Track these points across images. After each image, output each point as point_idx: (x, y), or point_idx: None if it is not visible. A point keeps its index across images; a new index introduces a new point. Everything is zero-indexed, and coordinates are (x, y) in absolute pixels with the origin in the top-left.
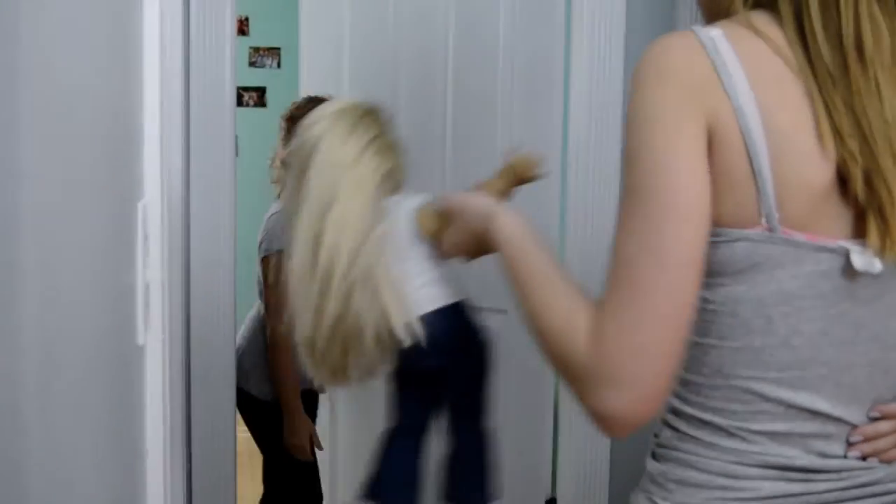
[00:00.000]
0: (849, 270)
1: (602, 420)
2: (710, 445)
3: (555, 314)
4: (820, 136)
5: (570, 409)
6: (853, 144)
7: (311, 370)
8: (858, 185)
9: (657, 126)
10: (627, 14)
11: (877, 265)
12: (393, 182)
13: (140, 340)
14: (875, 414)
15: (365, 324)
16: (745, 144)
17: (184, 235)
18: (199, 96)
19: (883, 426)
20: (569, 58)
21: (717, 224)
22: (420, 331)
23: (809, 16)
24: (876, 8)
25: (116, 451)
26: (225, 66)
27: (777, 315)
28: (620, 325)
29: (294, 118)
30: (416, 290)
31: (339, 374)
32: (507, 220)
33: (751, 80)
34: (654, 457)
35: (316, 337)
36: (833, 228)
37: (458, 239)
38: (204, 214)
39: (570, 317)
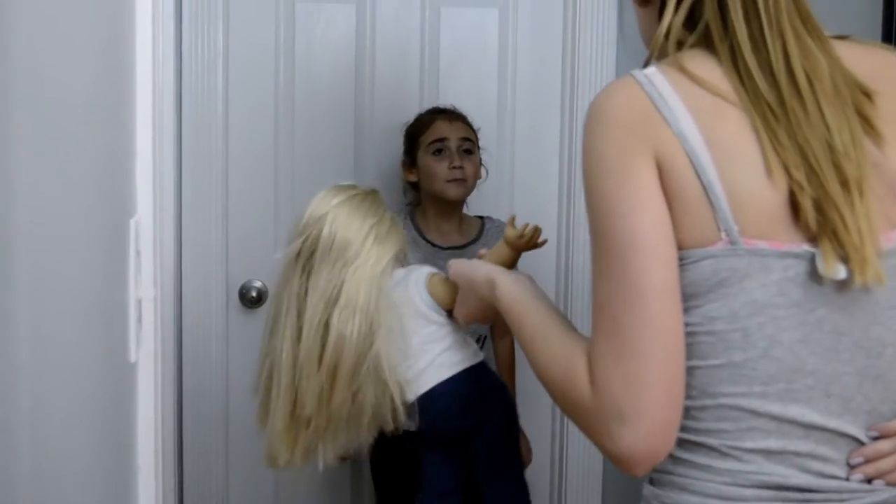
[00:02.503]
0: (817, 274)
1: (618, 459)
2: (705, 468)
3: (557, 365)
4: (768, 170)
5: (567, 435)
6: (799, 176)
7: (285, 443)
8: (810, 214)
9: (607, 169)
10: (619, 26)
11: (841, 272)
12: (398, 261)
13: (132, 357)
14: (874, 433)
15: (366, 410)
16: (693, 165)
17: (176, 252)
18: (192, 113)
19: (883, 445)
20: (565, 71)
21: (681, 247)
22: (436, 400)
23: (742, 55)
24: (808, 39)
25: (108, 468)
26: (217, 83)
27: (753, 326)
28: (607, 360)
29: (412, 134)
30: (436, 357)
31: (313, 452)
32: (508, 286)
33: (689, 107)
34: (651, 481)
35: (316, 418)
36: (795, 234)
37: (468, 309)
38: (196, 231)
39: (570, 365)
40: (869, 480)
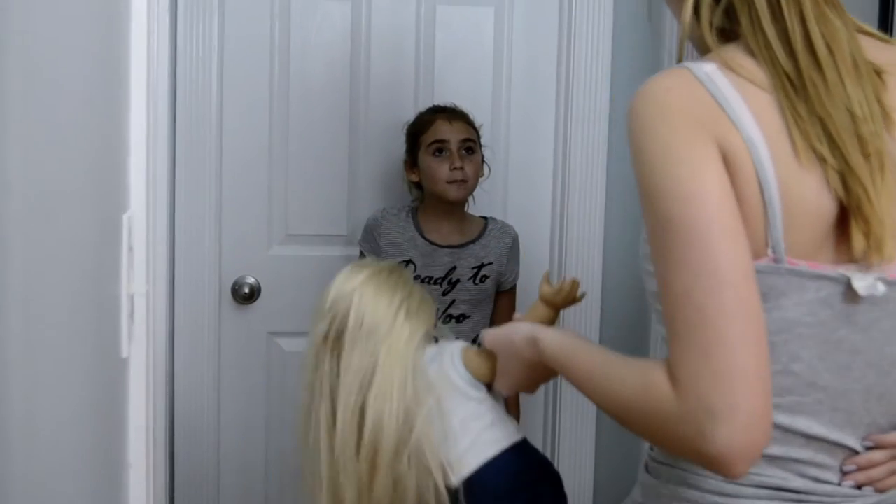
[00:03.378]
0: (848, 297)
1: (715, 460)
2: None
3: (629, 385)
4: (795, 149)
5: (560, 433)
6: (822, 149)
7: None
8: (837, 186)
9: (676, 156)
10: (614, 25)
11: (880, 288)
12: (429, 338)
13: (124, 353)
14: (869, 443)
15: (409, 497)
16: (757, 174)
17: (169, 248)
18: (186, 108)
19: (877, 455)
20: (560, 69)
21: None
22: (485, 480)
23: (762, 29)
24: (826, 9)
25: (99, 464)
26: (212, 78)
27: (779, 342)
28: (694, 356)
29: (412, 134)
30: (479, 435)
31: None
32: (552, 336)
33: (752, 111)
34: (648, 470)
35: None
36: (833, 256)
37: (513, 376)
38: (189, 227)
39: (645, 378)
40: (859, 487)
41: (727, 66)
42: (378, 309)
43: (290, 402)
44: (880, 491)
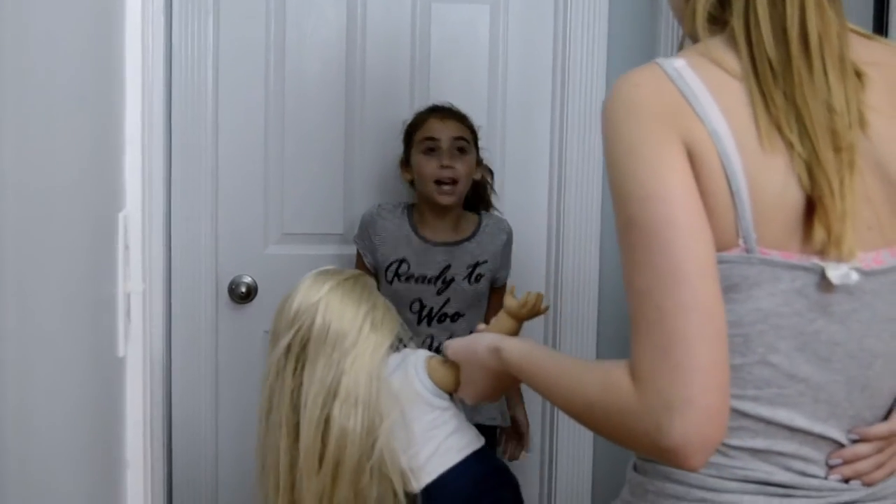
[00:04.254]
0: (823, 287)
1: (671, 452)
2: None
3: (590, 385)
4: (760, 136)
5: (558, 427)
6: (792, 136)
7: None
8: (802, 175)
9: (640, 156)
10: (610, 22)
11: (853, 277)
12: (392, 348)
13: (120, 352)
14: (854, 436)
15: (371, 502)
16: (723, 166)
17: (165, 247)
18: (181, 107)
19: (862, 448)
20: (556, 67)
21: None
22: (447, 486)
23: (756, 12)
24: (826, 4)
25: (97, 463)
26: (207, 77)
27: (754, 333)
28: (653, 351)
29: (407, 133)
30: (442, 442)
31: None
32: (514, 346)
33: (720, 104)
34: (635, 468)
35: None
36: (806, 246)
37: (477, 385)
38: (185, 226)
39: (606, 377)
40: (846, 480)
41: (702, 57)
42: (343, 320)
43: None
44: (867, 484)
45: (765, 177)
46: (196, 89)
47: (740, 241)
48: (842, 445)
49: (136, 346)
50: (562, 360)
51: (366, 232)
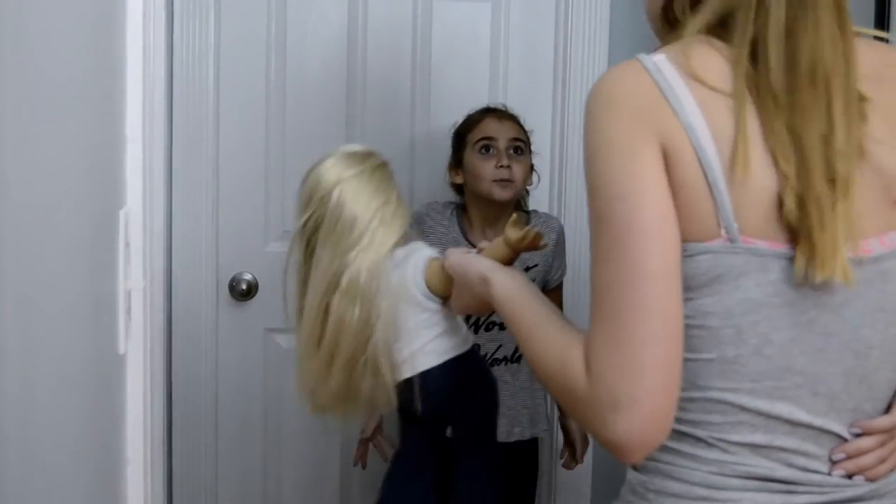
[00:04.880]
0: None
1: (613, 446)
2: (691, 457)
3: (553, 357)
4: (745, 158)
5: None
6: (788, 168)
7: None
8: (791, 209)
9: (612, 153)
10: (611, 20)
11: (816, 276)
12: (402, 241)
13: (121, 349)
14: (856, 430)
15: (362, 394)
16: (699, 159)
17: (166, 244)
18: (183, 104)
19: (865, 442)
20: (557, 65)
21: (681, 239)
22: (425, 385)
23: (766, 40)
24: (837, 33)
25: (97, 460)
26: (208, 74)
27: (746, 324)
28: (605, 347)
29: (459, 134)
30: (427, 343)
31: (332, 408)
32: (503, 283)
33: (697, 98)
34: (635, 467)
35: (316, 393)
36: (791, 235)
37: (464, 302)
38: (186, 223)
39: (566, 355)
40: (850, 476)
41: (681, 53)
42: (355, 211)
43: (288, 397)
44: (871, 480)
45: (748, 170)
46: (197, 86)
47: (722, 231)
48: (843, 440)
49: (136, 344)
50: (538, 315)
51: (413, 228)
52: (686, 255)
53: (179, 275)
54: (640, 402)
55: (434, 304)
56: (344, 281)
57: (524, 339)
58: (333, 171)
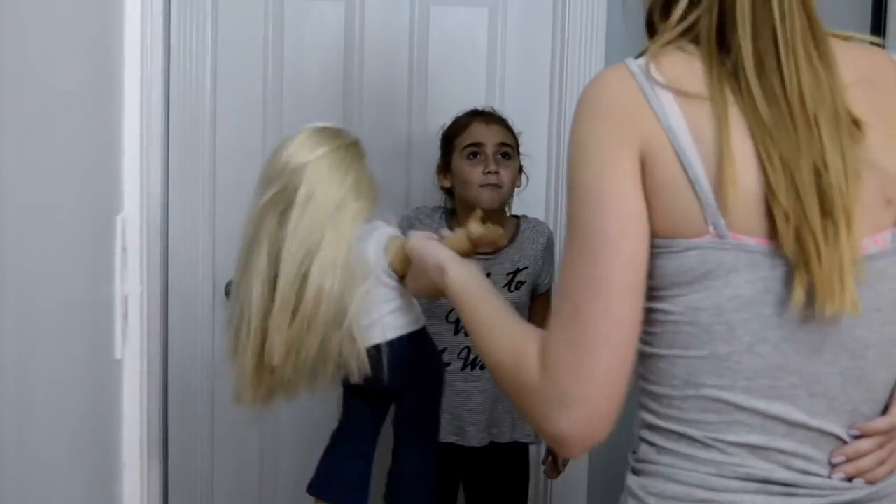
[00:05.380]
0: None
1: (555, 440)
2: (688, 458)
3: (505, 351)
4: (735, 180)
5: None
6: (787, 203)
7: (251, 385)
8: (789, 242)
9: (590, 161)
10: (608, 26)
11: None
12: (371, 216)
13: (118, 354)
14: (855, 432)
15: (331, 362)
16: (680, 160)
17: (162, 248)
18: (180, 110)
19: (864, 445)
20: (554, 70)
21: (668, 236)
22: (382, 356)
23: (745, 74)
24: (818, 63)
25: (93, 465)
26: (205, 79)
27: (738, 321)
28: (562, 345)
29: (447, 137)
30: (383, 316)
31: (290, 389)
32: (459, 273)
33: (678, 101)
34: (634, 472)
35: (281, 368)
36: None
37: (419, 285)
38: (183, 228)
39: (519, 349)
40: (849, 479)
41: (666, 57)
42: (331, 186)
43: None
44: (871, 482)
45: (724, 166)
46: (194, 91)
47: (710, 228)
48: (842, 442)
49: (133, 348)
50: (492, 309)
51: (403, 234)
52: (675, 251)
53: (176, 279)
54: (587, 401)
55: (391, 281)
56: (322, 252)
57: (477, 330)
58: (305, 148)
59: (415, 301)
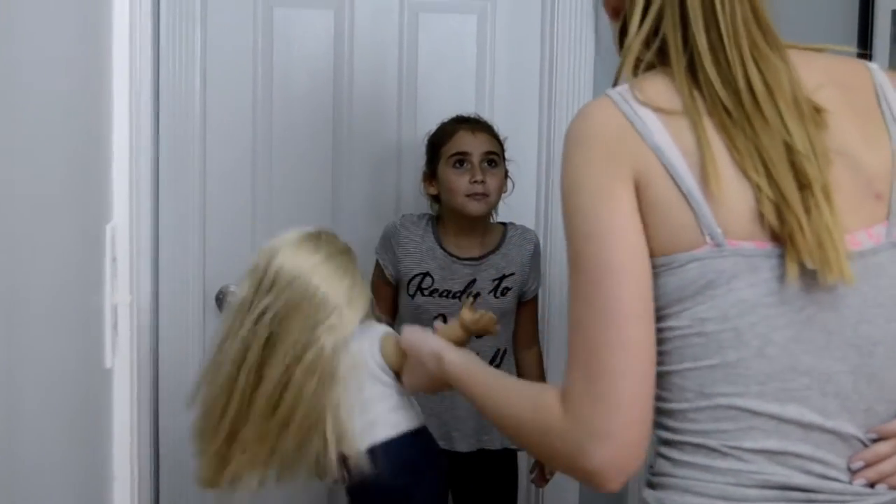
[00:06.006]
0: (804, 274)
1: (590, 477)
2: (706, 468)
3: (523, 407)
4: (716, 170)
5: None
6: (759, 179)
7: (213, 466)
8: (771, 217)
9: (586, 192)
10: (597, 30)
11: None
12: (362, 321)
13: (108, 364)
14: (872, 435)
15: (309, 459)
16: (671, 175)
17: (153, 258)
18: (169, 118)
19: (883, 448)
20: (543, 77)
21: (666, 253)
22: (377, 458)
23: (703, 64)
24: (766, 49)
25: (83, 476)
26: (195, 88)
27: (744, 326)
28: (581, 382)
29: (433, 145)
30: (382, 415)
31: (241, 478)
32: (454, 357)
33: (661, 120)
34: (650, 485)
35: (254, 454)
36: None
37: (416, 379)
38: (173, 236)
39: (538, 397)
40: (872, 485)
41: (644, 81)
42: (328, 294)
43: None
44: (894, 488)
45: (715, 174)
46: (184, 99)
47: (707, 238)
48: (860, 443)
49: (123, 358)
50: (498, 377)
51: (388, 243)
52: (675, 266)
53: (166, 288)
54: (615, 434)
55: (388, 378)
56: (310, 354)
57: (486, 399)
58: (300, 255)
59: (413, 400)
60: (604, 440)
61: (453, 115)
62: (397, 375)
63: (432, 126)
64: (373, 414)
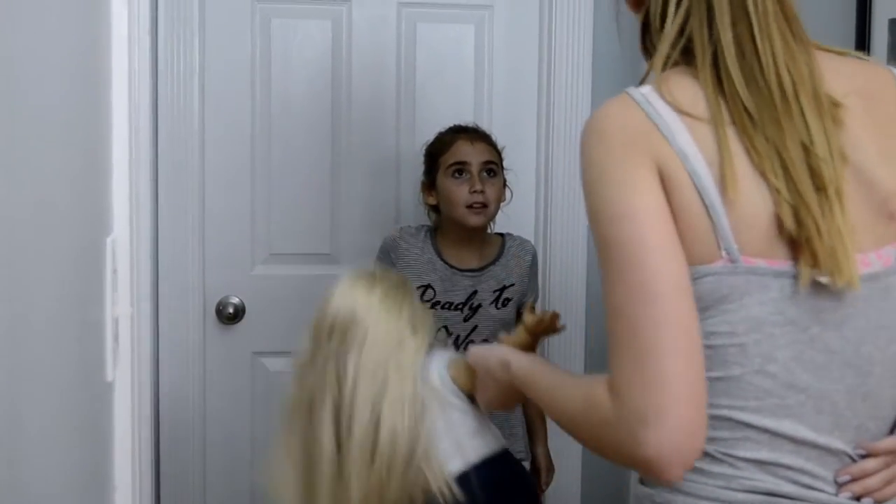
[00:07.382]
0: (814, 293)
1: (648, 463)
2: (699, 471)
3: (575, 398)
4: (732, 179)
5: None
6: (778, 182)
7: None
8: (789, 220)
9: (610, 179)
10: (595, 39)
11: (821, 278)
12: (430, 346)
13: (109, 376)
14: (861, 451)
15: (419, 497)
16: (694, 183)
17: (153, 269)
18: (168, 129)
19: (870, 464)
20: (541, 86)
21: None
22: (470, 484)
23: (725, 62)
24: (793, 44)
25: (85, 487)
26: (193, 99)
27: (750, 343)
28: (626, 364)
29: (431, 154)
30: (456, 441)
31: None
32: (522, 361)
33: (686, 125)
34: (642, 481)
35: None
36: (789, 251)
37: (487, 394)
38: (173, 248)
39: (588, 389)
40: (857, 498)
41: (667, 83)
42: (389, 325)
43: (276, 421)
44: (879, 502)
45: (739, 190)
46: (182, 111)
47: (723, 253)
48: (849, 458)
49: (124, 371)
50: (558, 375)
51: (388, 256)
52: (691, 279)
53: (167, 300)
54: (667, 413)
55: (462, 403)
56: (390, 391)
57: (547, 400)
58: (359, 295)
59: (492, 424)
60: (655, 423)
61: (451, 124)
62: (471, 399)
63: (431, 135)
64: (450, 441)
